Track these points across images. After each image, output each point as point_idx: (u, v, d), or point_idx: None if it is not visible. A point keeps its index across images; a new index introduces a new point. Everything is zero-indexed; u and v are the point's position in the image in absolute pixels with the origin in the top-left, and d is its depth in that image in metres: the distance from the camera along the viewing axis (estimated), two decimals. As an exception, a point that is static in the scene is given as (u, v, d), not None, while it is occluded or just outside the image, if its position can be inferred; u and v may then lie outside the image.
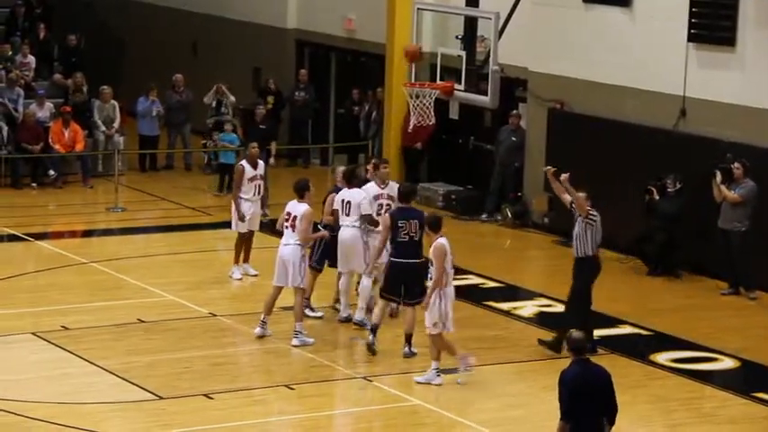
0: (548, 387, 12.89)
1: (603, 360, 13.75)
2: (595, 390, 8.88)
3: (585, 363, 8.94)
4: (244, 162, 15.93)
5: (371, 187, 14.43)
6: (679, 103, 17.26)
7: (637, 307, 15.68)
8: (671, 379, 13.28)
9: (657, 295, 16.31)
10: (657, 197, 16.71)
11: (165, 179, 22.17)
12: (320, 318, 14.43)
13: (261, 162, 16.03)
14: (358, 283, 14.44)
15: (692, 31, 17.04)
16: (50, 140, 21.32)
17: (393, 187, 14.51)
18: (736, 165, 15.94)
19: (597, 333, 14.58)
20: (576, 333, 9.02)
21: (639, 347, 14.19)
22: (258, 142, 20.05)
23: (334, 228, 14.30)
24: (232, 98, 22.65)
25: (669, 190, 16.73)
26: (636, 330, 14.82)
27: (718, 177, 15.96)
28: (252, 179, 15.80)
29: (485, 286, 16.46)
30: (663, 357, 13.85)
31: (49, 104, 22.00)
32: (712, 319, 15.33)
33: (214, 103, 22.84)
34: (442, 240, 12.58)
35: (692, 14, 17.03)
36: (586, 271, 13.54)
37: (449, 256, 12.52)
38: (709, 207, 16.25)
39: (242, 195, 15.76)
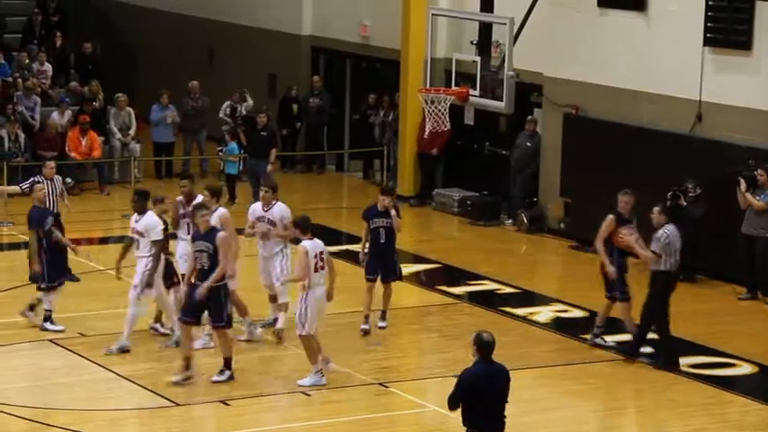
0: (566, 393, 12.89)
1: (621, 366, 13.75)
2: (499, 386, 9.37)
3: (491, 363, 9.37)
4: (180, 198, 14.16)
5: (256, 208, 13.95)
6: (695, 107, 17.21)
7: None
8: (689, 384, 13.23)
9: (675, 300, 16.20)
10: (685, 203, 16.58)
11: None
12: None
13: (199, 197, 13.98)
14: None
15: (708, 35, 16.99)
16: (67, 148, 21.40)
17: (277, 210, 13.84)
18: (760, 171, 15.86)
19: (615, 338, 14.56)
20: (486, 335, 9.35)
21: (657, 353, 14.13)
22: (259, 149, 20.13)
23: None
24: (250, 101, 22.71)
25: (690, 195, 16.66)
26: (653, 335, 14.75)
27: (743, 185, 15.87)
28: (184, 216, 13.99)
29: (501, 292, 16.44)
30: (681, 362, 13.78)
31: (67, 112, 22.09)
32: (730, 323, 15.26)
33: (228, 110, 22.94)
34: (307, 243, 12.53)
35: (707, 18, 16.99)
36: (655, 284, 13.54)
37: (311, 259, 12.48)
38: (727, 212, 16.19)
39: (178, 233, 14.10)
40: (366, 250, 14.33)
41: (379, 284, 14.40)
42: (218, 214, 13.67)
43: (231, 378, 12.72)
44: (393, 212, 14.19)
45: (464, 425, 9.40)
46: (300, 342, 12.75)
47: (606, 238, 13.88)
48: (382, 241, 14.17)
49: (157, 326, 14.13)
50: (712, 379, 13.35)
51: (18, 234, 18.46)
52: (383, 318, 14.52)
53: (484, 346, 9.35)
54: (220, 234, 12.59)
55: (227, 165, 21.14)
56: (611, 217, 13.95)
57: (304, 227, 12.70)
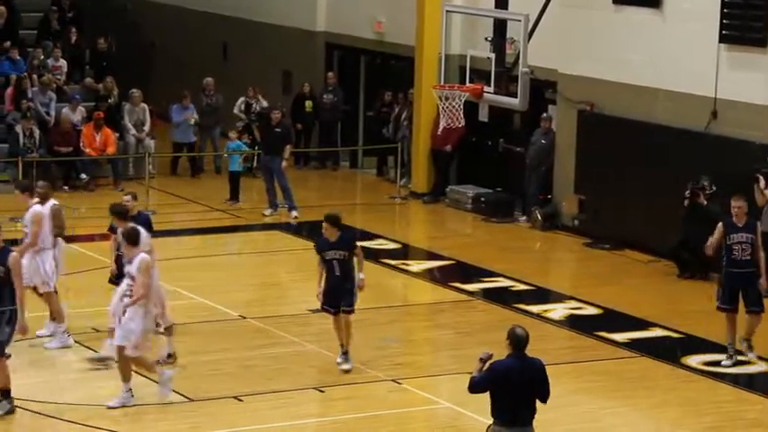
0: (579, 390, 12.87)
1: (635, 363, 13.73)
2: (530, 381, 9.43)
3: (522, 357, 9.41)
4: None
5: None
6: (710, 104, 17.15)
7: (667, 309, 15.59)
8: (705, 382, 13.19)
9: (687, 297, 16.22)
10: (705, 201, 16.46)
11: (195, 182, 22.26)
12: None
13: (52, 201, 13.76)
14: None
15: (724, 32, 16.93)
16: (81, 144, 21.46)
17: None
18: None
19: (628, 336, 14.52)
20: (519, 329, 9.41)
21: (670, 350, 14.10)
22: (273, 145, 20.15)
23: None
24: (264, 102, 22.75)
25: (706, 192, 16.58)
26: (666, 333, 14.73)
27: (762, 182, 15.77)
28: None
29: (515, 289, 16.41)
30: (694, 360, 13.77)
31: (80, 108, 22.15)
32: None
33: (243, 106, 22.97)
34: (146, 256, 11.95)
35: (723, 15, 16.92)
36: None
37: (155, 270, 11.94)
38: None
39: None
40: (322, 286, 12.97)
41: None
42: (30, 212, 13.34)
43: (11, 411, 11.66)
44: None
45: (492, 416, 9.45)
46: (123, 361, 11.91)
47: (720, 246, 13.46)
48: (337, 274, 12.84)
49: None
50: (726, 377, 13.31)
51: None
52: (345, 357, 13.04)
53: (515, 341, 9.39)
54: (13, 255, 11.58)
55: (229, 162, 21.10)
56: (720, 224, 13.65)
57: (135, 240, 11.92)
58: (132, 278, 11.84)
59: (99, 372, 12.97)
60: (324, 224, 12.97)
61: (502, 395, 9.38)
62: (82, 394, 12.36)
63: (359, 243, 13.19)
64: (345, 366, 13.04)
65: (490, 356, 9.42)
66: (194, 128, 22.50)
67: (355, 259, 12.98)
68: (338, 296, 12.97)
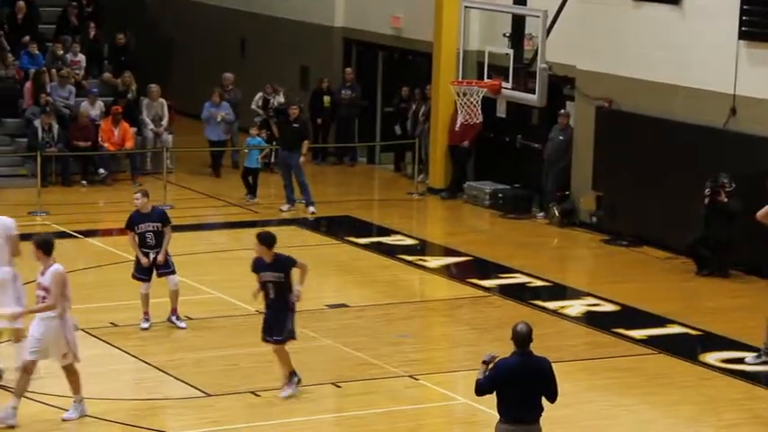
0: (593, 387, 12.86)
1: (653, 360, 13.70)
2: (535, 379, 9.38)
3: (527, 355, 9.36)
4: None
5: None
6: (729, 101, 17.09)
7: (685, 306, 15.55)
8: (722, 379, 13.16)
9: (706, 295, 16.17)
10: (726, 199, 16.40)
11: (213, 177, 22.28)
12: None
13: None
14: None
15: (743, 28, 16.86)
16: (100, 139, 21.52)
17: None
18: None
19: (645, 333, 14.50)
20: (520, 326, 9.34)
21: (689, 347, 14.06)
22: (291, 141, 20.16)
23: None
24: (280, 98, 22.75)
25: (727, 189, 16.50)
26: (685, 330, 14.69)
27: None
28: None
29: (532, 285, 16.39)
30: (712, 358, 13.73)
31: (99, 103, 22.22)
32: (762, 319, 15.14)
33: (261, 102, 22.99)
34: (60, 267, 11.40)
35: (742, 12, 16.85)
36: None
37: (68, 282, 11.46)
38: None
39: None
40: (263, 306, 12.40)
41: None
42: None
43: None
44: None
45: (498, 413, 9.46)
46: (71, 372, 11.58)
47: None
48: (272, 297, 12.19)
49: (173, 318, 14.16)
50: (745, 374, 13.27)
51: (52, 224, 18.58)
52: (289, 383, 12.27)
53: (518, 338, 9.38)
54: None
55: (246, 158, 21.10)
56: None
57: (49, 249, 11.34)
58: (45, 289, 11.42)
59: (115, 366, 13.01)
60: (256, 244, 12.12)
61: (507, 393, 9.36)
62: (99, 388, 12.39)
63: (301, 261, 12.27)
64: (284, 393, 12.20)
65: (493, 358, 9.40)
66: (225, 125, 22.41)
67: (299, 271, 12.17)
68: (271, 326, 12.27)
